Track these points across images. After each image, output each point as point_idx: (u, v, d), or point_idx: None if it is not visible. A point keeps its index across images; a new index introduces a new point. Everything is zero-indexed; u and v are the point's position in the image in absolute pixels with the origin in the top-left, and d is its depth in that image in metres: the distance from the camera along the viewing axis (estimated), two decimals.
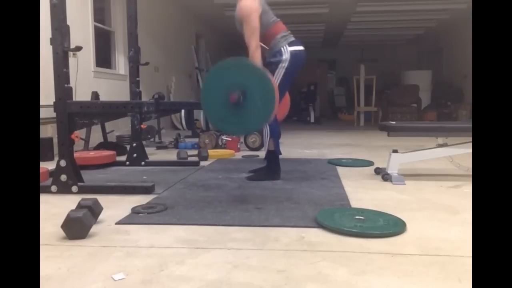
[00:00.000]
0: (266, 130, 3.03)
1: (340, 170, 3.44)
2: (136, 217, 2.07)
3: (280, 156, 3.12)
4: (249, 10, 2.75)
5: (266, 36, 2.91)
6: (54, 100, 2.58)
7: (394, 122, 3.26)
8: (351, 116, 10.33)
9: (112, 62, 6.40)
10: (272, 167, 3.07)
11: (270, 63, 2.93)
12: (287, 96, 3.68)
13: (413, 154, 3.09)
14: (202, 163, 3.82)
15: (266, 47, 2.98)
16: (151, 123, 5.50)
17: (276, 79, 2.88)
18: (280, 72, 2.89)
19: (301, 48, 2.96)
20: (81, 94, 4.53)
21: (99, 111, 2.65)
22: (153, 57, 6.98)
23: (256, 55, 2.73)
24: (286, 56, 2.88)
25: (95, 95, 4.37)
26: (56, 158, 2.63)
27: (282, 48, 2.90)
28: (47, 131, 4.24)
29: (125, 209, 2.20)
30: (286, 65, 2.89)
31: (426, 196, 2.52)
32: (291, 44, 2.91)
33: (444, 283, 1.33)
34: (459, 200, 2.40)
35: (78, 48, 2.73)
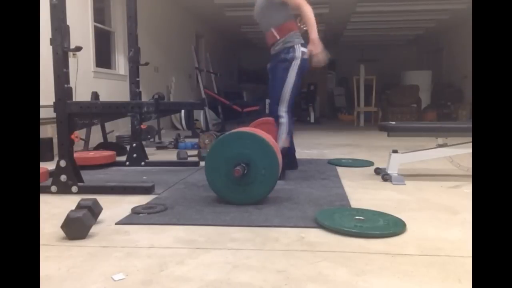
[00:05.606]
0: (285, 127, 3.04)
1: (340, 170, 3.44)
2: (136, 217, 2.07)
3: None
4: None
5: (282, 29, 2.98)
6: (54, 100, 2.58)
7: (394, 122, 3.26)
8: (351, 116, 10.32)
9: (112, 62, 6.40)
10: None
11: (284, 60, 2.97)
12: None
13: (413, 154, 3.09)
14: (202, 163, 3.80)
15: (277, 36, 3.02)
16: (151, 123, 5.50)
17: (290, 78, 2.95)
18: (294, 69, 2.95)
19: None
20: (81, 94, 4.53)
21: (99, 111, 2.65)
22: (153, 57, 6.98)
23: (309, 11, 2.87)
24: (298, 54, 2.95)
25: (95, 95, 4.36)
26: (56, 158, 2.63)
27: (296, 46, 2.96)
28: (47, 131, 4.23)
29: (125, 209, 2.20)
30: (299, 63, 2.95)
31: (426, 196, 2.52)
32: (303, 45, 2.99)
33: (444, 283, 1.33)
34: (459, 200, 2.40)
35: (78, 48, 2.73)
